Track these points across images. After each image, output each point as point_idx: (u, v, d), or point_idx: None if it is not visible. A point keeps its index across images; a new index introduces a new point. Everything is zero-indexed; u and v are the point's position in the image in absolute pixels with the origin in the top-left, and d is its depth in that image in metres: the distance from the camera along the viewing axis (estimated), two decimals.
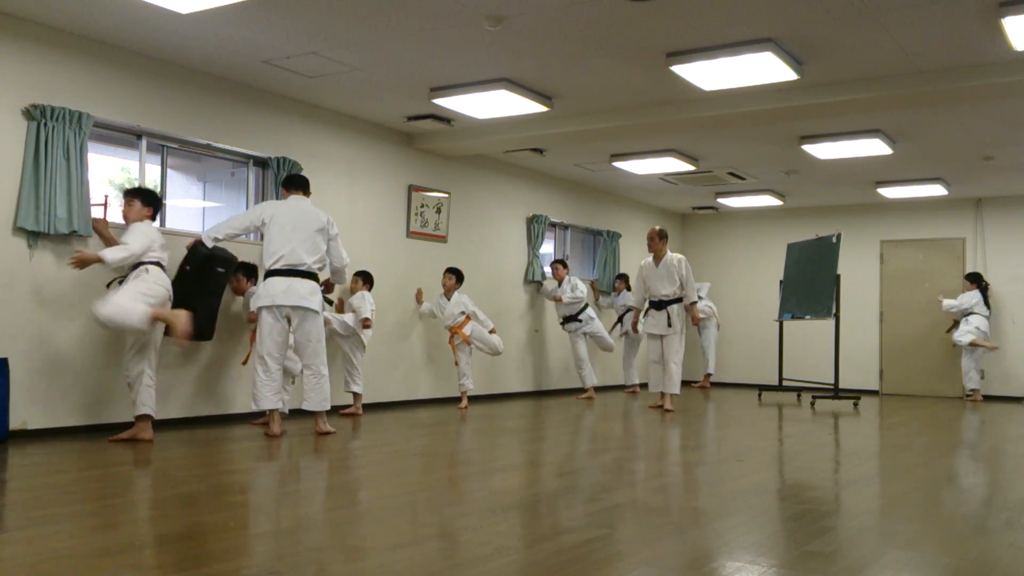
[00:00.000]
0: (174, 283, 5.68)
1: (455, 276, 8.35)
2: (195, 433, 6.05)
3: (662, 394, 8.49)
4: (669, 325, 8.32)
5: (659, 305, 8.39)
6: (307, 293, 5.81)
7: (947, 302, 10.92)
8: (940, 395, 11.43)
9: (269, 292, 5.76)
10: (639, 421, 7.91)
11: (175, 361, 6.43)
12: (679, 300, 8.33)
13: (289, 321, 5.83)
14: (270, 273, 5.82)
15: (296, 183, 6.12)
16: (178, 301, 5.63)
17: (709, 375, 12.38)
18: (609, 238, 11.59)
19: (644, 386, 11.42)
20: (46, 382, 5.66)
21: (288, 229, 5.82)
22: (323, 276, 6.30)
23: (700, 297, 11.63)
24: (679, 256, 8.46)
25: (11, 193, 5.51)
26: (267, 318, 5.78)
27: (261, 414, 6.68)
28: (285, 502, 3.97)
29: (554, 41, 5.82)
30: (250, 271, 6.67)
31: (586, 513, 3.74)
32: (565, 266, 9.95)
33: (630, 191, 11.65)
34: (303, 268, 5.83)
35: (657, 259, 8.41)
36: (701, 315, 10.82)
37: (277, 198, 7.10)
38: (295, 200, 6.00)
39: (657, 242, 8.39)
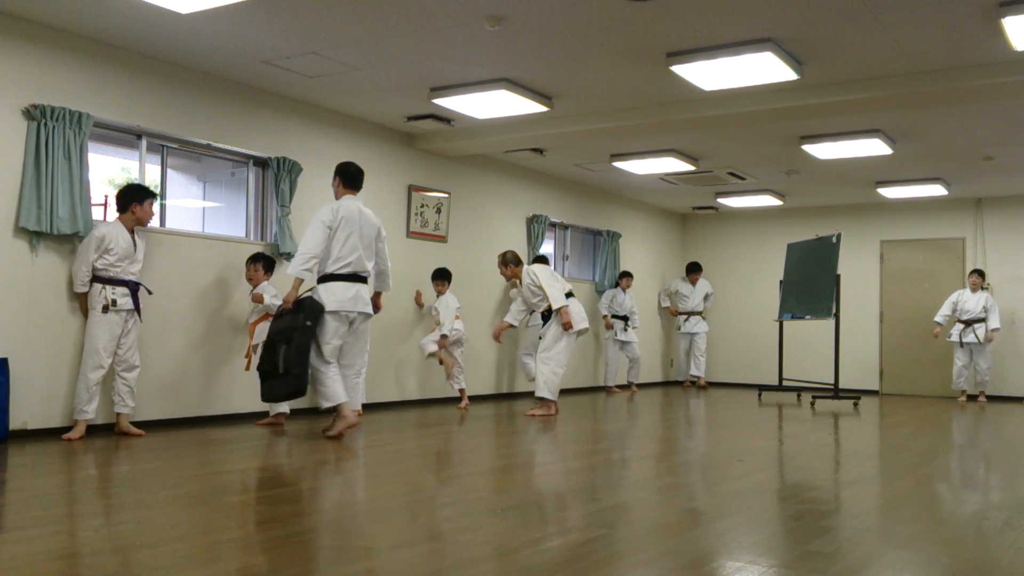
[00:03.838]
0: (298, 339, 5.66)
1: (444, 279, 8.31)
2: (195, 433, 6.05)
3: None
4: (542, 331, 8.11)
5: (544, 316, 8.05)
6: (368, 299, 5.92)
7: (992, 319, 10.62)
8: (940, 395, 11.42)
9: (338, 298, 5.73)
10: (639, 421, 7.91)
11: (175, 361, 6.43)
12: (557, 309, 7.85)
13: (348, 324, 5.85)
14: (333, 277, 5.76)
15: (356, 181, 6.00)
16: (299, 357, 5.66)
17: (700, 378, 12.40)
18: (609, 238, 11.60)
19: (640, 386, 11.41)
20: (46, 382, 5.66)
21: (355, 235, 5.79)
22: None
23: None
24: (532, 268, 7.96)
25: (12, 193, 5.51)
26: (333, 322, 5.75)
27: (266, 414, 6.70)
28: (285, 502, 3.97)
29: (554, 41, 5.83)
30: (269, 264, 6.71)
31: (586, 513, 3.74)
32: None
33: (630, 191, 11.65)
34: (364, 274, 5.88)
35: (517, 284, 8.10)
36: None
37: (277, 198, 7.12)
38: (353, 202, 5.90)
39: (503, 270, 8.04)
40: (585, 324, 8.02)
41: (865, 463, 5.56)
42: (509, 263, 8.03)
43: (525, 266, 8.10)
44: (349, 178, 6.00)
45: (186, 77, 6.55)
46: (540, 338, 7.96)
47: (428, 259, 8.67)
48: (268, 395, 5.87)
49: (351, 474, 4.84)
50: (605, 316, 11.22)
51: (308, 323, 5.67)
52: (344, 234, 5.76)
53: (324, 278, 5.80)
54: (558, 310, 7.74)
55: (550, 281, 7.83)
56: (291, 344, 5.61)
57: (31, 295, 5.60)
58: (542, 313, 8.00)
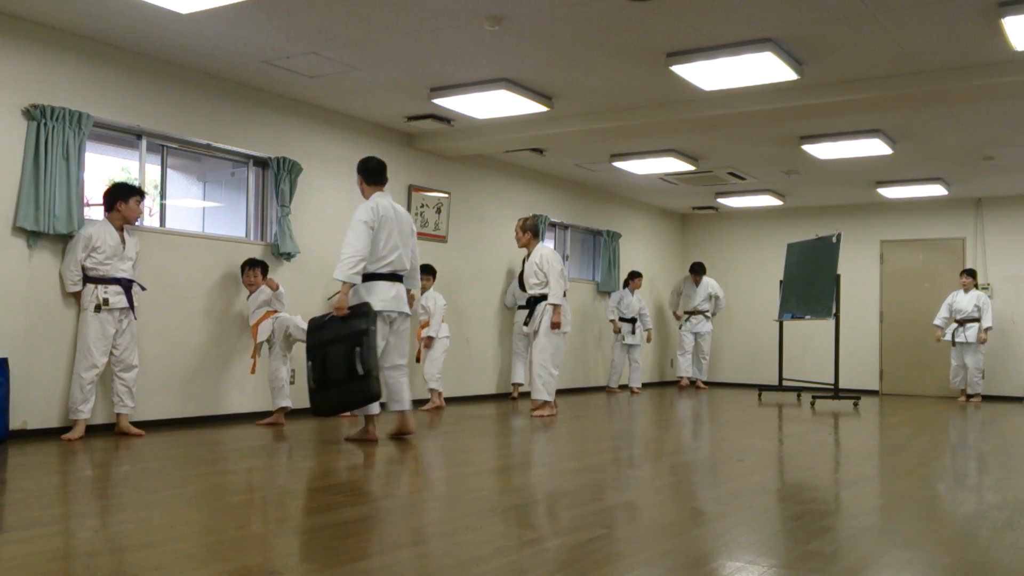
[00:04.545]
0: (368, 342, 5.49)
1: (429, 275, 8.23)
2: (195, 433, 6.05)
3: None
4: (525, 324, 8.03)
5: (529, 302, 8.03)
6: (406, 298, 5.82)
7: (986, 318, 10.60)
8: (940, 395, 11.42)
9: (380, 298, 5.61)
10: (638, 421, 7.91)
11: (175, 361, 6.43)
12: (544, 297, 7.86)
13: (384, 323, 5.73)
14: (374, 277, 5.64)
15: (380, 176, 5.83)
16: (373, 359, 5.52)
17: (698, 379, 12.31)
18: (609, 238, 11.59)
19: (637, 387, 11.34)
20: (46, 382, 5.66)
21: (395, 234, 5.68)
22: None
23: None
24: (547, 251, 7.99)
25: (11, 193, 5.51)
26: (378, 323, 5.61)
27: (267, 414, 6.72)
28: (285, 502, 3.97)
29: (554, 41, 5.82)
30: (266, 269, 6.73)
31: (586, 513, 3.74)
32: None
33: (630, 191, 11.65)
34: (402, 273, 5.80)
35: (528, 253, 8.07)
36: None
37: (277, 198, 7.12)
38: (386, 199, 5.77)
39: (520, 235, 7.99)
40: (568, 329, 8.04)
41: (865, 463, 5.56)
42: (528, 230, 7.97)
43: (540, 244, 8.09)
44: (372, 174, 5.82)
45: (186, 77, 6.55)
46: (534, 334, 7.93)
47: (428, 259, 8.65)
48: (339, 404, 5.57)
49: (350, 474, 4.83)
50: (613, 320, 11.15)
51: (372, 328, 5.51)
52: (385, 233, 5.63)
53: (365, 277, 5.63)
54: (554, 306, 7.74)
55: (557, 277, 7.81)
56: (364, 346, 5.44)
57: (30, 295, 5.60)
58: (528, 298, 8.00)
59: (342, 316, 5.48)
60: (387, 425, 6.08)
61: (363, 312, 5.50)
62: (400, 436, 5.92)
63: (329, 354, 5.49)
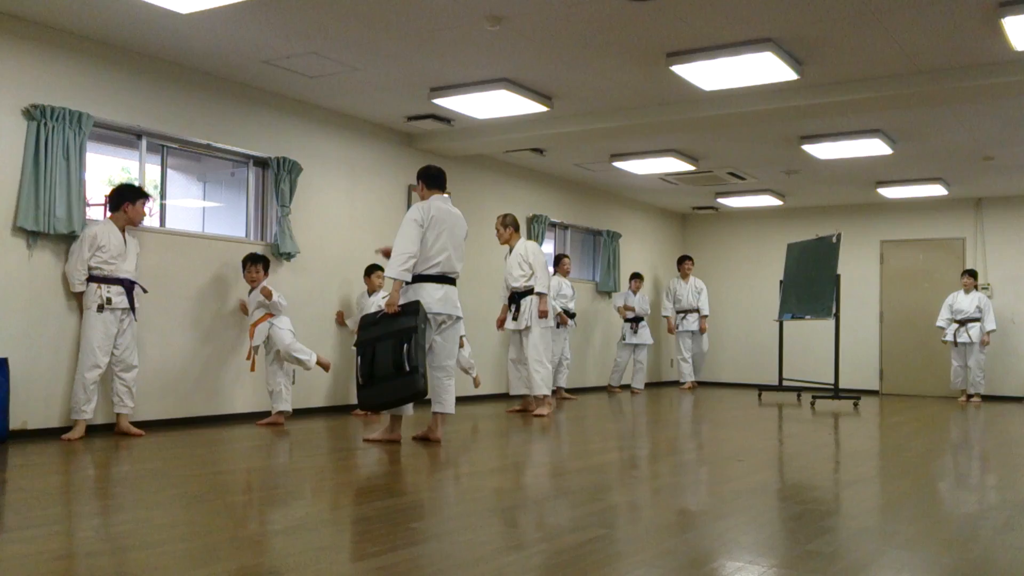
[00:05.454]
0: (418, 339, 5.40)
1: None
2: (195, 433, 6.05)
3: (524, 397, 8.18)
4: (515, 319, 8.04)
5: (512, 298, 8.08)
6: (457, 300, 5.77)
7: (989, 321, 10.58)
8: (940, 395, 11.42)
9: (426, 300, 5.55)
10: (638, 421, 7.91)
11: (175, 361, 6.43)
12: (531, 291, 7.94)
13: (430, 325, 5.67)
14: (421, 278, 5.58)
15: (440, 181, 5.82)
16: (421, 356, 5.45)
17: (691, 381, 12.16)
18: (609, 238, 11.60)
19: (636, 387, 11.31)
20: (46, 382, 5.66)
21: (446, 235, 5.62)
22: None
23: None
24: (531, 244, 8.10)
25: (11, 193, 5.51)
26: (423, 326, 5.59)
27: (267, 414, 6.72)
28: (284, 502, 3.97)
29: (554, 41, 5.83)
30: (267, 264, 6.73)
31: (586, 513, 3.74)
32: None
33: (630, 191, 11.65)
34: (453, 275, 5.73)
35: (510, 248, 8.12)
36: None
37: (278, 198, 7.12)
38: (444, 202, 5.74)
39: (501, 231, 8.02)
40: (552, 323, 8.11)
41: (865, 463, 5.56)
42: (508, 226, 8.01)
43: (523, 239, 8.11)
44: (432, 179, 5.81)
45: (186, 77, 6.55)
46: (525, 329, 7.92)
47: None
48: (385, 399, 5.50)
49: (350, 475, 4.83)
50: (619, 308, 11.13)
51: (422, 325, 5.47)
52: (434, 233, 5.58)
53: (414, 279, 5.57)
54: (541, 296, 7.83)
55: (542, 268, 7.88)
56: (411, 343, 5.38)
57: (30, 295, 5.60)
58: (510, 296, 8.05)
59: (393, 313, 5.46)
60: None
61: (413, 310, 5.48)
62: (425, 440, 5.85)
63: (377, 350, 5.45)
